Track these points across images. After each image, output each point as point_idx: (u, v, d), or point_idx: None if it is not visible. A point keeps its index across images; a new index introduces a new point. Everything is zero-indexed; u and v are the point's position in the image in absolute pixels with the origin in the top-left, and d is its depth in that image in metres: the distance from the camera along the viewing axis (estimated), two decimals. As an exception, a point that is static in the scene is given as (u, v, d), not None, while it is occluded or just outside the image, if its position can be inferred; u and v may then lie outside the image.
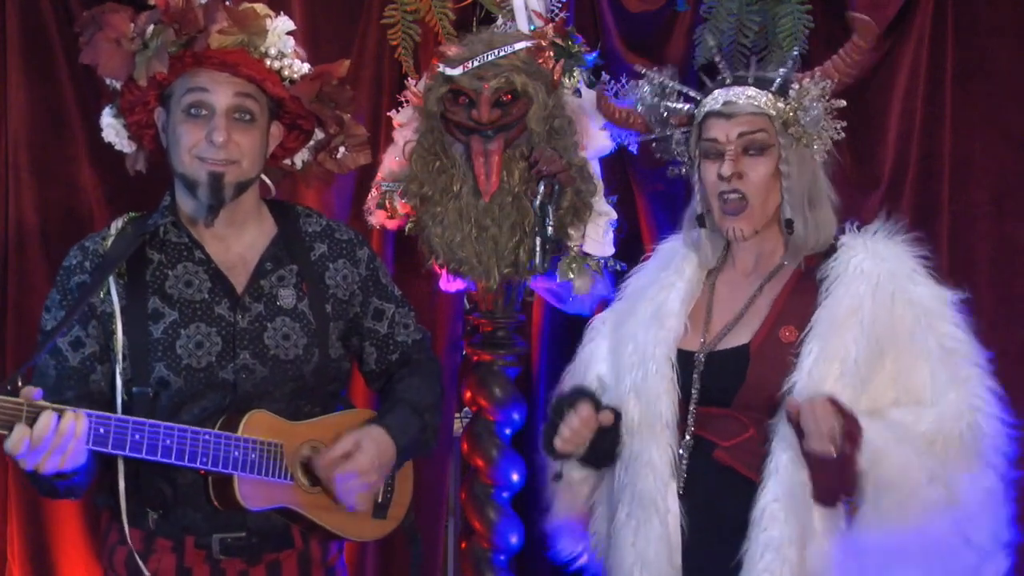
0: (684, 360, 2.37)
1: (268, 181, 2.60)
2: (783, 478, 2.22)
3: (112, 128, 2.53)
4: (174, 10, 2.37)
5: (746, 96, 2.37)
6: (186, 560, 2.38)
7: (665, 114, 2.51)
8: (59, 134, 3.52)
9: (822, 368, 2.23)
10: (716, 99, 2.39)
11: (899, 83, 3.46)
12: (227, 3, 2.46)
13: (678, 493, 2.32)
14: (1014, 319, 3.46)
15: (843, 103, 2.42)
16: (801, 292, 2.35)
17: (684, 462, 2.33)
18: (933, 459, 2.19)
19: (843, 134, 2.42)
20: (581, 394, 2.42)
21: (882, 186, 3.49)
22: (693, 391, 2.34)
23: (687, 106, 2.49)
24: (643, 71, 2.60)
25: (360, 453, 2.39)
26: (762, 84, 2.40)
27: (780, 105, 2.37)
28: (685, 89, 2.51)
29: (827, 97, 2.41)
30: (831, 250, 2.39)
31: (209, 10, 2.39)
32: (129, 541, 2.35)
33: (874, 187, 3.49)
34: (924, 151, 3.48)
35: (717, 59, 2.50)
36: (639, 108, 2.56)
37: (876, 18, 3.42)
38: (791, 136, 2.36)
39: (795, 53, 2.53)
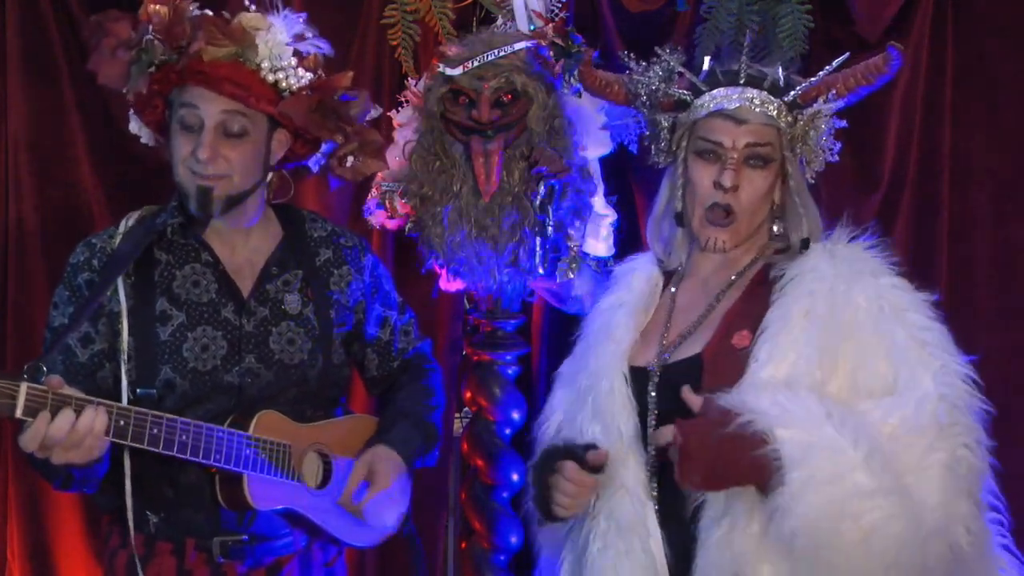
0: (637, 376, 2.23)
1: (289, 179, 2.58)
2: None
3: (136, 122, 2.53)
4: (159, 24, 2.34)
5: (761, 102, 2.22)
6: (186, 563, 2.38)
7: (662, 97, 2.34)
8: (59, 134, 3.52)
9: (771, 370, 2.09)
10: (728, 97, 2.23)
11: (899, 83, 3.46)
12: (223, 13, 2.43)
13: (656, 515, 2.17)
14: (1013, 319, 3.46)
15: (844, 123, 2.31)
16: (755, 295, 2.22)
17: (654, 483, 2.18)
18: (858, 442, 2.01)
19: (838, 158, 2.31)
20: (557, 455, 2.22)
21: (882, 186, 3.49)
22: (651, 410, 2.20)
23: (685, 93, 2.31)
24: (657, 51, 2.39)
25: (378, 476, 2.43)
26: (776, 91, 2.25)
27: (790, 119, 2.24)
28: (694, 79, 2.31)
29: (831, 115, 2.28)
30: (790, 254, 2.26)
31: (195, 24, 2.35)
32: (133, 545, 2.35)
33: (874, 187, 3.49)
34: (924, 151, 3.48)
35: (743, 50, 2.29)
36: (640, 90, 2.38)
37: (876, 18, 3.44)
38: (794, 154, 2.25)
39: (821, 74, 2.32)
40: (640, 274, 2.38)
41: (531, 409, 3.47)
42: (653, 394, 2.21)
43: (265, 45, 2.40)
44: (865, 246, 2.23)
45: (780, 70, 2.28)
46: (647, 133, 2.39)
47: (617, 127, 3.14)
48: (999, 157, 3.49)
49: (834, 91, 2.30)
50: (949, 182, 3.48)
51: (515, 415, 3.39)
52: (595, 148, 3.20)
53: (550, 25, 3.19)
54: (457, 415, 3.59)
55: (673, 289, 2.33)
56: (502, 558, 3.40)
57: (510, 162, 3.11)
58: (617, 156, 3.25)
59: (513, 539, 3.38)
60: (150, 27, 2.35)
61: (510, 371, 3.41)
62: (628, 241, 3.27)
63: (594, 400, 2.24)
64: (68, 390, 2.14)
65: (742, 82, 2.24)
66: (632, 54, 2.45)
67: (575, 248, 3.19)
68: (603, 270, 3.20)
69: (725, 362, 2.14)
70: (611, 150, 3.20)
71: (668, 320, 2.28)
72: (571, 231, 3.17)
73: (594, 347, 2.32)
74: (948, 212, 3.48)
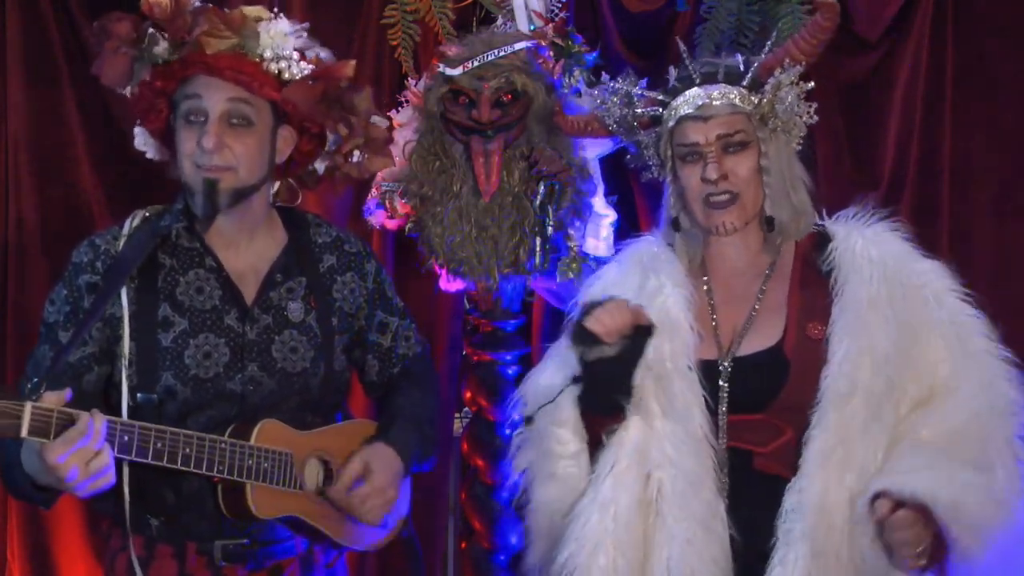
0: (705, 370, 2.24)
1: (296, 187, 2.57)
2: (812, 481, 2.16)
3: (141, 136, 2.52)
4: (160, 16, 2.33)
5: (720, 95, 2.29)
6: (187, 566, 2.37)
7: (634, 122, 2.42)
8: (59, 134, 3.53)
9: (854, 361, 2.17)
10: (689, 101, 2.30)
11: (899, 83, 3.46)
12: (221, 6, 2.43)
13: (726, 510, 2.20)
14: (1013, 319, 3.46)
15: (812, 85, 2.34)
16: (811, 286, 2.28)
17: (725, 476, 2.22)
18: (976, 455, 2.14)
19: (816, 117, 2.35)
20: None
21: (882, 186, 3.49)
22: (722, 402, 2.23)
23: (655, 109, 2.39)
24: (605, 83, 2.49)
25: (374, 473, 2.40)
26: (732, 79, 2.31)
27: (754, 99, 2.30)
28: (652, 94, 2.39)
29: (796, 81, 2.32)
30: (823, 239, 2.33)
31: (196, 15, 2.35)
32: (131, 548, 2.34)
33: (874, 187, 3.48)
34: (924, 151, 3.49)
35: (684, 56, 2.37)
36: (608, 121, 2.46)
37: (876, 18, 3.44)
38: (769, 129, 2.30)
39: (767, 45, 2.40)
40: (675, 262, 2.37)
41: (531, 409, 3.47)
42: (726, 388, 2.24)
43: (267, 35, 2.39)
44: (888, 225, 2.31)
45: (738, 57, 2.36)
46: (635, 154, 2.46)
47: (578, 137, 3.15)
48: (999, 157, 3.49)
49: (787, 59, 2.36)
50: (949, 182, 3.48)
51: (515, 415, 3.39)
52: (595, 148, 3.20)
53: (550, 25, 3.20)
54: (457, 415, 3.59)
55: (706, 283, 2.36)
56: (502, 558, 3.40)
57: (510, 162, 3.11)
58: (617, 156, 3.25)
59: (513, 539, 3.38)
60: (150, 21, 2.35)
61: (510, 371, 3.41)
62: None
63: (660, 398, 2.22)
64: (74, 411, 2.10)
65: (698, 83, 2.32)
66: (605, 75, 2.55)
67: (575, 248, 3.19)
68: (603, 270, 3.20)
69: (806, 355, 2.21)
70: (611, 150, 3.20)
71: (712, 313, 2.32)
72: (571, 231, 3.17)
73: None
74: (948, 212, 3.48)
